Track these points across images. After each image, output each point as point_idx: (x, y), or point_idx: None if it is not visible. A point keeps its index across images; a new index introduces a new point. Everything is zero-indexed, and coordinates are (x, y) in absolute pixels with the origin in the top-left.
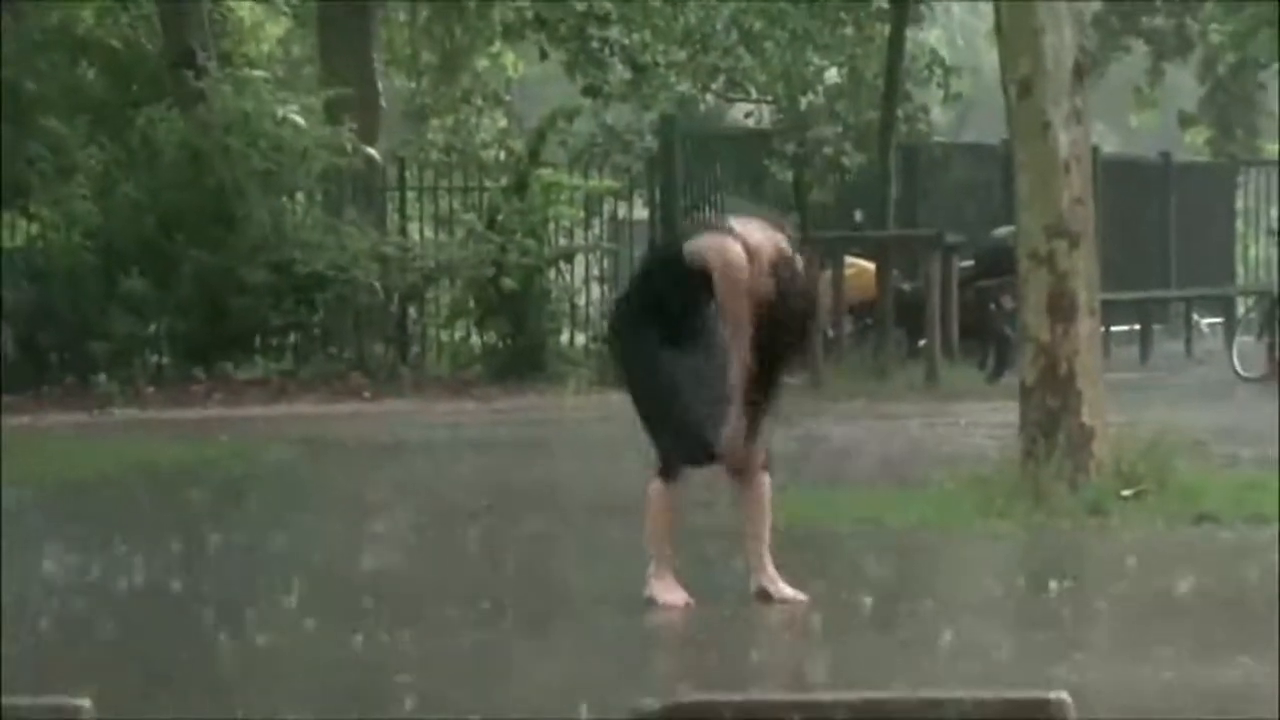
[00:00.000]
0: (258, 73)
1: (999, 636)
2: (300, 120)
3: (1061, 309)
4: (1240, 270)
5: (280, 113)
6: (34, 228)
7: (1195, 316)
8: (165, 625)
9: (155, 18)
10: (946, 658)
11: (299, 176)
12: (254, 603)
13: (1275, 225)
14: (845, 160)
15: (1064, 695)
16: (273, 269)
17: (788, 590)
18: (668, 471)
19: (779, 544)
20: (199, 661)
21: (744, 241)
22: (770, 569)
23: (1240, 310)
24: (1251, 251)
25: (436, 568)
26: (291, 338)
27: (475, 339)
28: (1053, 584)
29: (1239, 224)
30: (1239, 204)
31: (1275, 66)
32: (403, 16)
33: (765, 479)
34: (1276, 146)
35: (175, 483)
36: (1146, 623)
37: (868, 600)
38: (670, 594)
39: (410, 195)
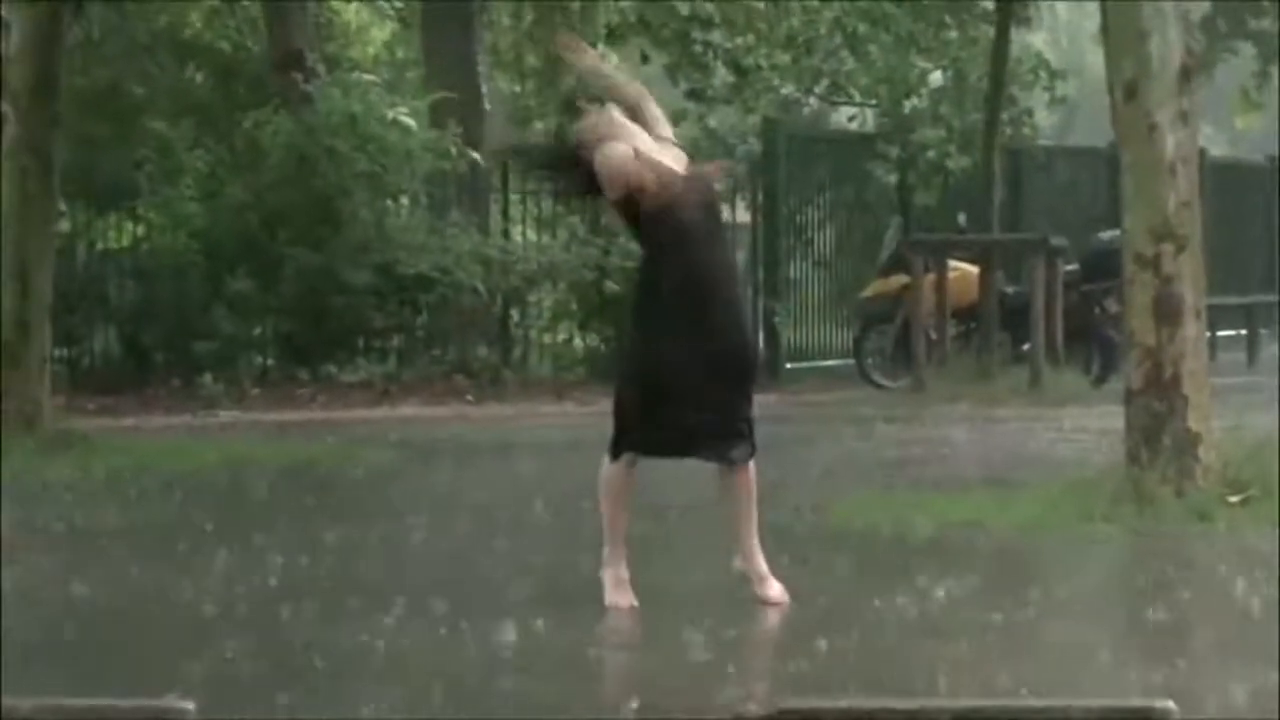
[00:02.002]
0: (367, 75)
1: (1104, 643)
2: (410, 122)
3: (1167, 313)
4: None
5: (390, 114)
6: (140, 229)
7: None
8: (260, 623)
9: (261, 21)
10: (1051, 664)
11: (404, 179)
12: (354, 602)
13: None
14: (949, 163)
15: (1170, 704)
16: (377, 271)
17: (774, 590)
18: (615, 451)
19: (885, 546)
20: (294, 658)
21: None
22: (759, 562)
23: None
24: None
25: (531, 568)
26: (395, 340)
27: (578, 342)
28: (1159, 590)
29: None
30: None
31: None
32: (507, 20)
33: (750, 469)
34: None
35: (277, 483)
36: (1255, 630)
37: (970, 604)
38: (616, 594)
39: (513, 198)
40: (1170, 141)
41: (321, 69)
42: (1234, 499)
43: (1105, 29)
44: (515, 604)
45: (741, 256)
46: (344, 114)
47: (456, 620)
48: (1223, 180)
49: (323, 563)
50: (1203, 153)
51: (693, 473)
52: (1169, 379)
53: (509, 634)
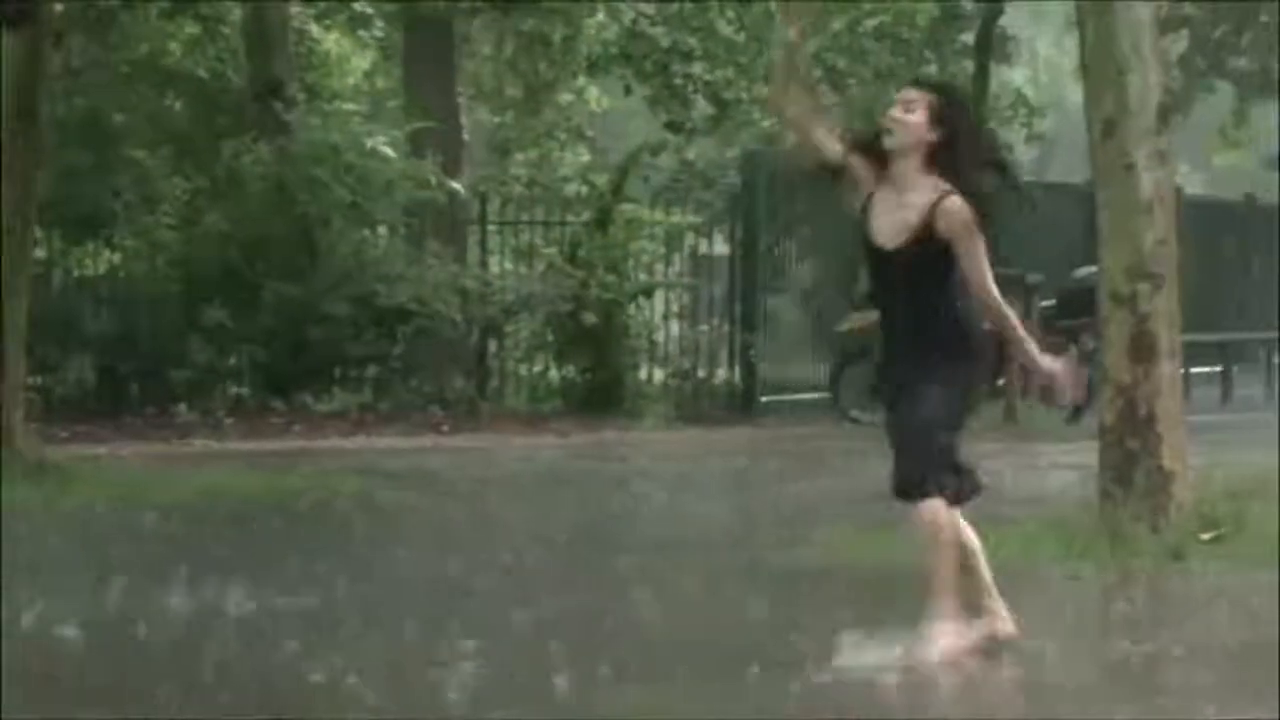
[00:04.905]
0: (348, 105)
1: (1080, 681)
2: (390, 151)
3: (1142, 350)
4: None
5: (369, 144)
6: (117, 257)
7: (1276, 359)
8: (226, 652)
9: (241, 50)
10: (1027, 701)
11: (382, 209)
12: (323, 630)
13: None
14: None
15: None
16: (354, 301)
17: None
18: (955, 498)
19: (849, 585)
20: (269, 688)
21: None
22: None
23: None
24: None
25: (504, 602)
26: (371, 370)
27: (554, 373)
28: (1135, 629)
29: None
30: None
31: None
32: (487, 50)
33: (930, 504)
34: None
35: (248, 512)
36: (1228, 669)
37: None
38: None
39: (491, 229)
40: (1147, 180)
41: (301, 98)
42: (1207, 537)
43: (1084, 66)
44: (468, 634)
45: (719, 289)
46: (324, 143)
47: (436, 652)
48: (1199, 218)
49: (295, 593)
50: (1179, 191)
51: None
52: (1143, 417)
53: (471, 666)
